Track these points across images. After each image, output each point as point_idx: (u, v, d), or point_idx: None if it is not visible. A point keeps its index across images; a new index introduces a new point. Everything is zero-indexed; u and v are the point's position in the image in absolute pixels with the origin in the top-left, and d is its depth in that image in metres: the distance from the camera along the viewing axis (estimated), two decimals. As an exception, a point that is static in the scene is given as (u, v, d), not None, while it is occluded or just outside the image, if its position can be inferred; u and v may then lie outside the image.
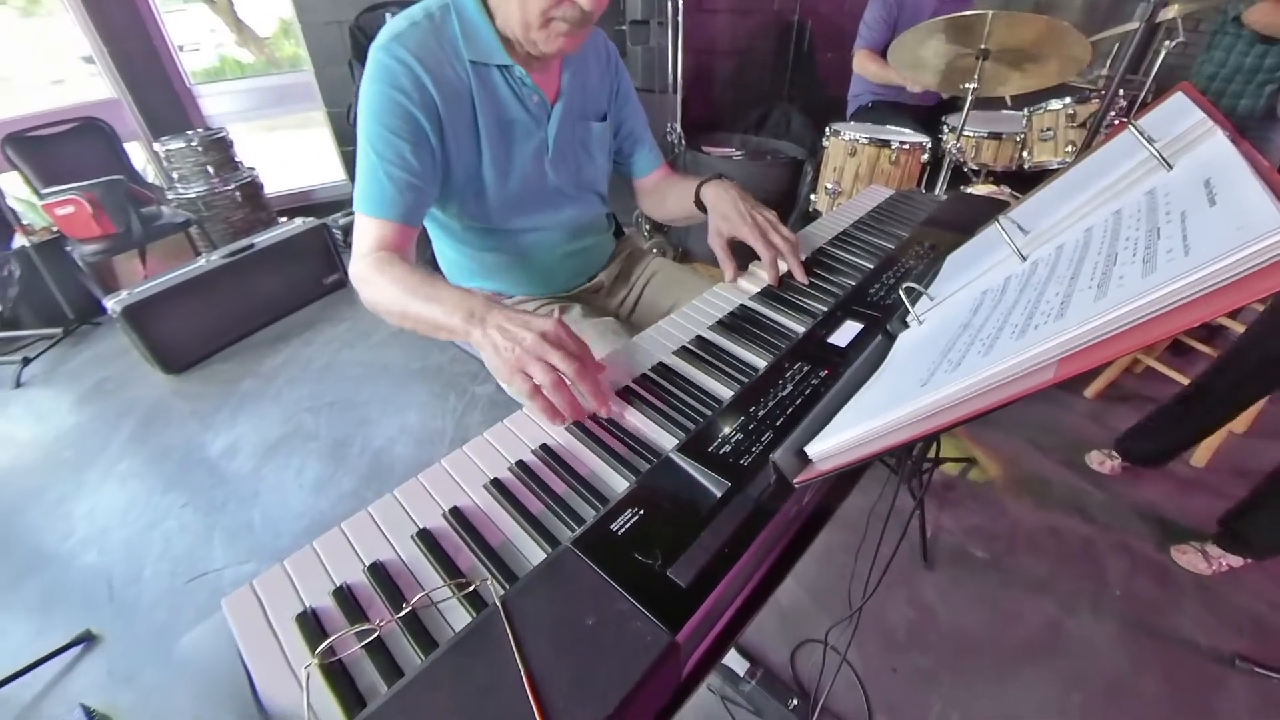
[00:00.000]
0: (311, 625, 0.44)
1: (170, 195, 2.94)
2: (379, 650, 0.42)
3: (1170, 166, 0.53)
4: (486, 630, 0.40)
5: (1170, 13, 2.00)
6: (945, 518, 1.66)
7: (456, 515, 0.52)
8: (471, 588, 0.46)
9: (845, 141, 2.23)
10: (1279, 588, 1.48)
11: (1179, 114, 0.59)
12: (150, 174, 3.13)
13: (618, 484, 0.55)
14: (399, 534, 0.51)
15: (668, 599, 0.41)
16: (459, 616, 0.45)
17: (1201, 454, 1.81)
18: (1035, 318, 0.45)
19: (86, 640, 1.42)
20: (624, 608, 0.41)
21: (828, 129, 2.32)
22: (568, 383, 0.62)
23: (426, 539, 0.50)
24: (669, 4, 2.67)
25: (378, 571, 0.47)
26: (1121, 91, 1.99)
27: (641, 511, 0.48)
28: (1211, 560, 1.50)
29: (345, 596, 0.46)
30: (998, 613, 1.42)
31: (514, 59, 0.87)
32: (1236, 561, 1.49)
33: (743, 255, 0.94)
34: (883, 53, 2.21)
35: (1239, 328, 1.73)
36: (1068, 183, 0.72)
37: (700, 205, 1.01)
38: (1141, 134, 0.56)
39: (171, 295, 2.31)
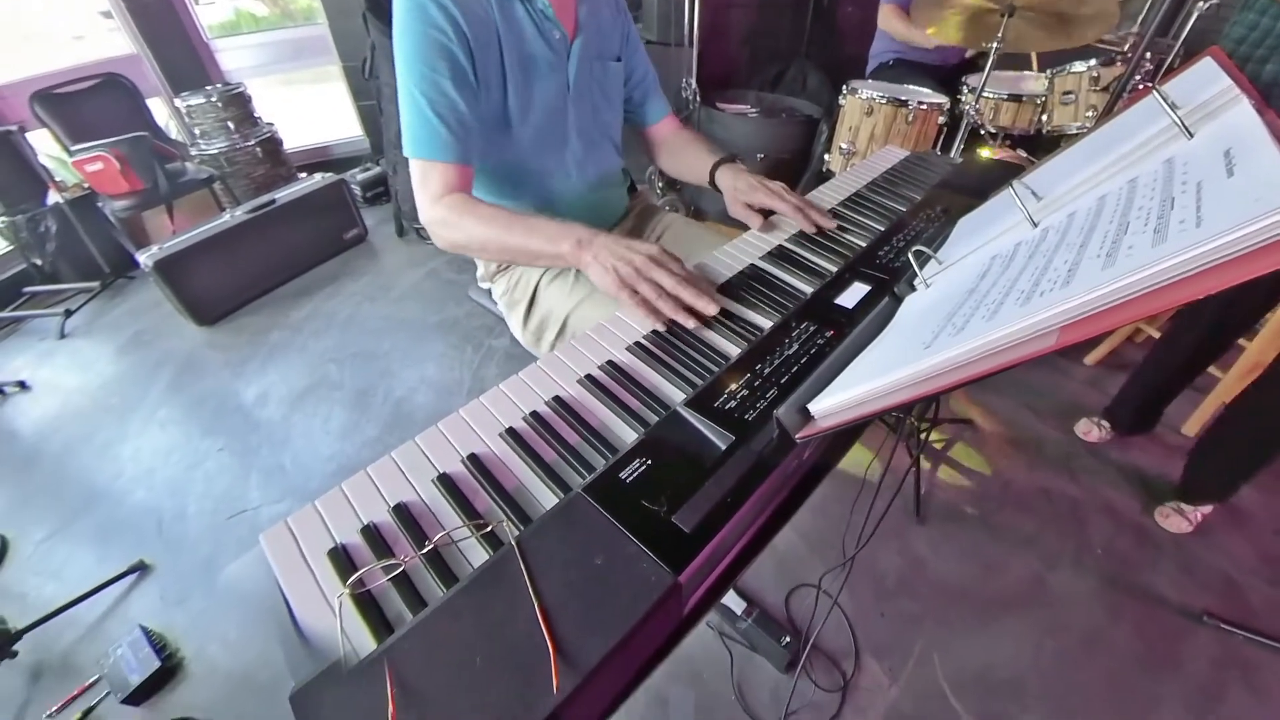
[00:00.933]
0: (342, 559, 0.46)
1: (193, 151, 2.91)
2: (404, 583, 0.44)
3: (1191, 135, 0.51)
4: (502, 567, 0.42)
5: (1207, -31, 1.85)
6: (940, 476, 1.67)
7: (474, 461, 0.53)
8: (488, 528, 0.47)
9: (862, 100, 2.13)
10: (1253, 550, 1.49)
11: (1206, 80, 0.56)
12: (173, 130, 3.09)
13: (627, 435, 0.56)
14: (421, 478, 0.52)
15: (672, 543, 0.43)
16: (477, 554, 0.46)
17: (1192, 423, 1.80)
18: (1041, 284, 0.44)
19: (140, 569, 1.51)
20: (631, 550, 0.42)
21: (845, 87, 2.21)
22: (669, 293, 0.70)
23: (446, 483, 0.51)
24: (686, -46, 2.52)
25: (401, 512, 0.49)
26: (1148, 54, 1.87)
27: (649, 461, 0.49)
28: (1189, 516, 1.53)
29: (372, 534, 0.48)
30: (983, 565, 1.45)
31: None
32: (1207, 509, 1.52)
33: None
34: (908, 9, 2.09)
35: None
36: (1085, 149, 0.69)
37: (714, 186, 1.03)
38: (1165, 100, 0.53)
39: (200, 250, 2.32)
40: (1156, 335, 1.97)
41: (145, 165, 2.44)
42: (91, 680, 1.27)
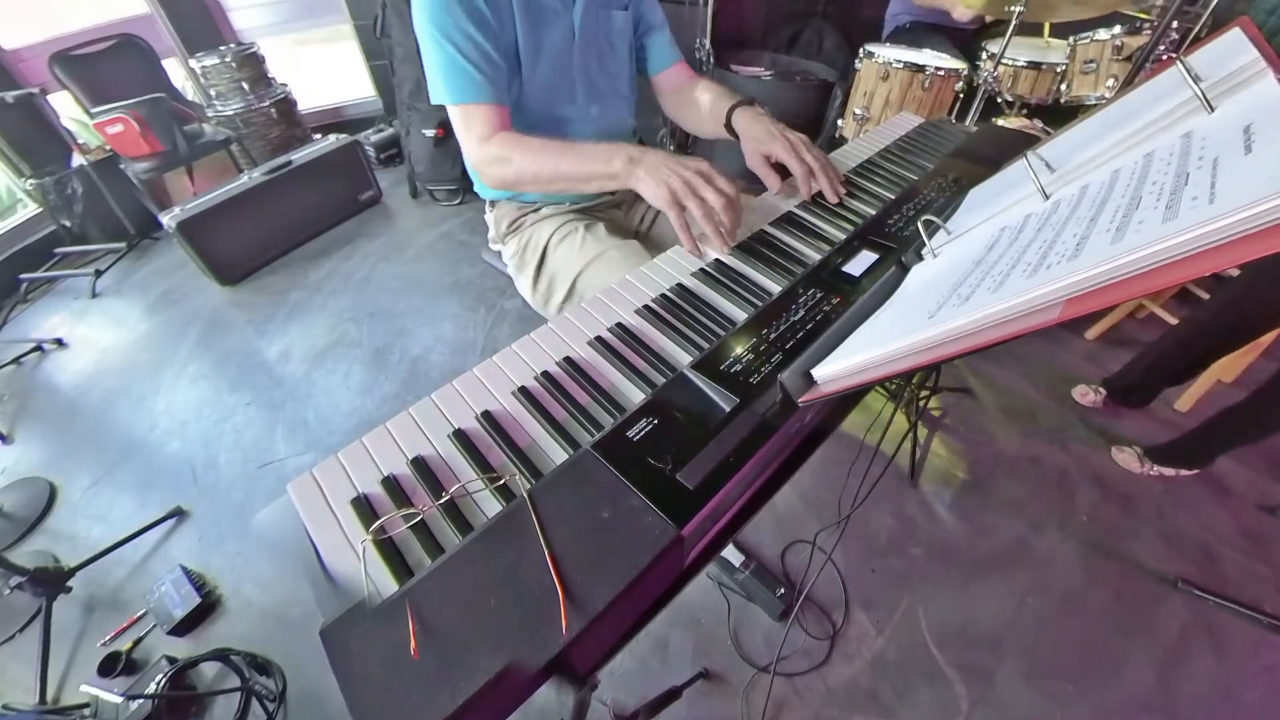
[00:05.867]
0: (365, 508, 0.47)
1: (210, 113, 2.86)
2: (423, 531, 0.45)
3: (1212, 109, 0.48)
4: (515, 518, 0.43)
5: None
6: (936, 441, 1.68)
7: (488, 418, 0.54)
8: (502, 481, 0.48)
9: (879, 64, 2.04)
10: (1233, 523, 1.50)
11: (1232, 52, 0.52)
12: (189, 92, 3.03)
13: (635, 395, 0.57)
14: (437, 432, 0.53)
15: (676, 498, 0.43)
16: (491, 505, 0.48)
17: (1186, 399, 1.78)
18: (1049, 257, 0.43)
19: (178, 515, 1.56)
20: (636, 504, 0.43)
21: (861, 50, 2.11)
22: (714, 212, 0.71)
23: (461, 438, 0.52)
24: (702, -93, 2.37)
25: (419, 464, 0.50)
26: (1175, 24, 1.76)
27: (655, 421, 0.49)
28: (1144, 465, 1.59)
29: (392, 485, 0.49)
30: (972, 528, 1.47)
31: None
32: (1169, 471, 1.57)
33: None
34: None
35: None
36: (1103, 120, 0.66)
37: (731, 131, 0.96)
38: (1188, 71, 0.50)
39: (221, 211, 2.30)
40: (1160, 312, 1.93)
41: (164, 127, 2.41)
42: (139, 614, 1.34)
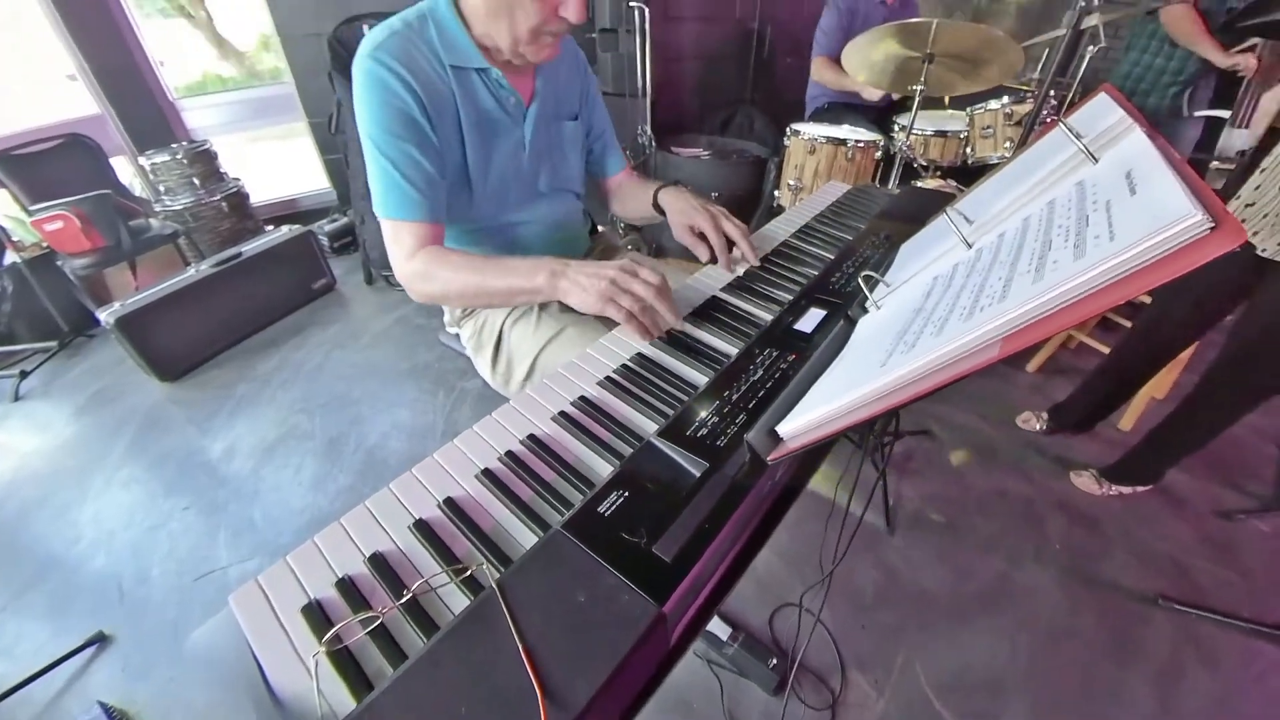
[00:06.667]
0: (317, 615, 0.43)
1: (158, 207, 2.83)
2: (383, 636, 0.42)
3: (1096, 160, 0.55)
4: (484, 612, 0.40)
5: (1093, 20, 2.05)
6: (906, 486, 1.70)
7: (450, 505, 0.51)
8: (468, 572, 0.45)
9: (805, 141, 2.24)
10: (1194, 532, 1.56)
11: (1102, 112, 0.61)
12: (137, 187, 3.00)
13: (602, 469, 0.55)
14: (396, 525, 0.50)
15: (653, 573, 0.42)
16: (457, 600, 0.44)
17: (1128, 418, 1.89)
18: (981, 300, 0.46)
19: (99, 641, 1.38)
20: (613, 583, 0.41)
21: (788, 129, 2.32)
22: (647, 303, 0.72)
23: (423, 528, 0.49)
24: (636, 13, 2.64)
25: (378, 562, 0.47)
26: (1052, 92, 2.03)
27: (626, 493, 0.48)
28: (1102, 486, 1.65)
29: (348, 587, 0.45)
30: (953, 570, 1.46)
31: (490, 63, 0.88)
32: (1126, 489, 1.64)
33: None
34: (838, 59, 2.22)
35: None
36: (1007, 176, 0.73)
37: (658, 209, 1.04)
38: (1070, 130, 0.58)
39: (163, 305, 2.22)
40: (1089, 341, 2.09)
41: (108, 222, 2.35)
42: (42, 770, 1.15)
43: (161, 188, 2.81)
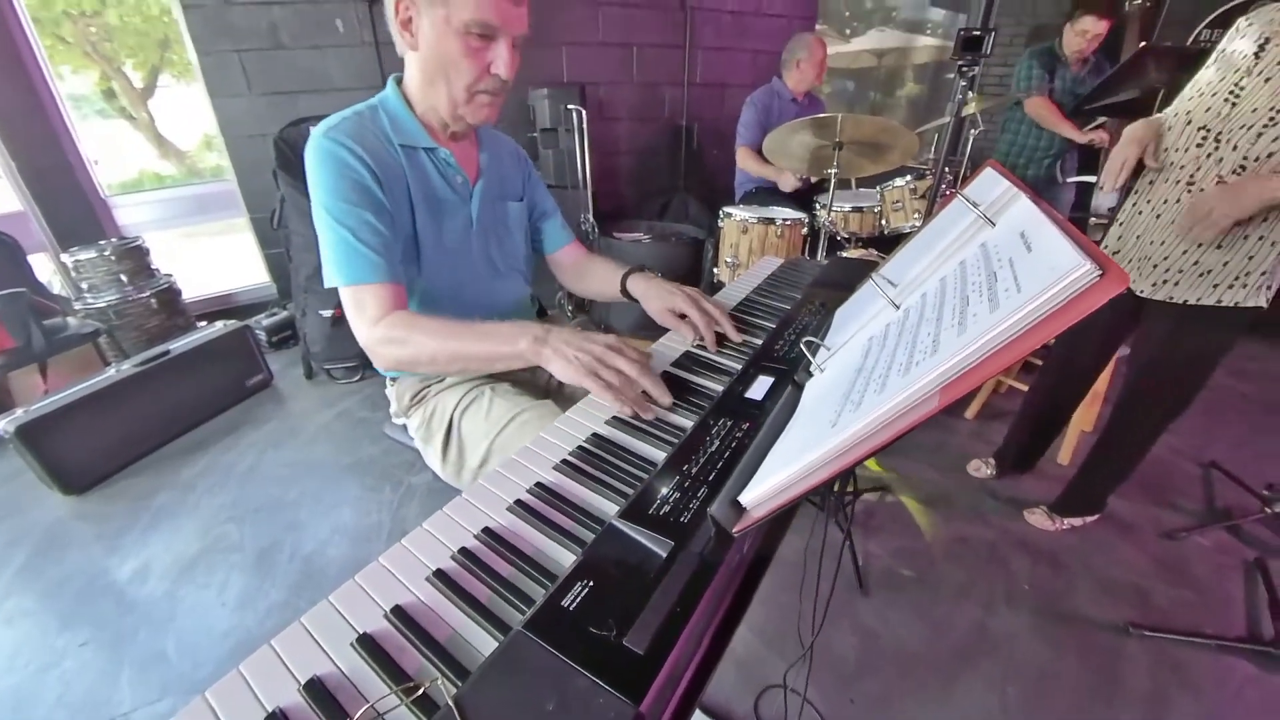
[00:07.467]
0: (235, 769, 0.36)
1: (78, 305, 2.65)
2: (316, 785, 0.36)
3: (994, 224, 0.61)
4: (438, 739, 0.35)
5: (970, 108, 2.40)
6: (872, 544, 1.69)
7: (399, 614, 0.46)
8: (420, 691, 0.40)
9: (737, 221, 2.41)
10: (1146, 556, 1.63)
11: (992, 183, 0.69)
12: (56, 285, 2.83)
13: (564, 558, 0.52)
14: (337, 643, 0.44)
15: (627, 669, 0.38)
16: (408, 727, 0.39)
17: (1064, 453, 2.01)
18: (915, 355, 0.49)
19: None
20: (583, 685, 0.37)
21: (721, 212, 2.50)
22: (632, 380, 0.71)
23: (367, 644, 0.44)
24: (574, 114, 2.86)
25: (314, 688, 0.41)
26: (947, 169, 2.31)
27: (591, 583, 0.45)
28: (1055, 521, 1.72)
29: (276, 727, 0.39)
30: (931, 625, 1.44)
31: (438, 143, 0.93)
32: (1077, 521, 1.71)
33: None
34: (759, 149, 2.46)
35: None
36: (921, 242, 0.80)
37: (627, 294, 1.06)
38: (968, 200, 0.65)
39: (74, 410, 2.02)
40: (1015, 384, 2.24)
41: (18, 322, 2.19)
42: None
43: (84, 285, 2.66)
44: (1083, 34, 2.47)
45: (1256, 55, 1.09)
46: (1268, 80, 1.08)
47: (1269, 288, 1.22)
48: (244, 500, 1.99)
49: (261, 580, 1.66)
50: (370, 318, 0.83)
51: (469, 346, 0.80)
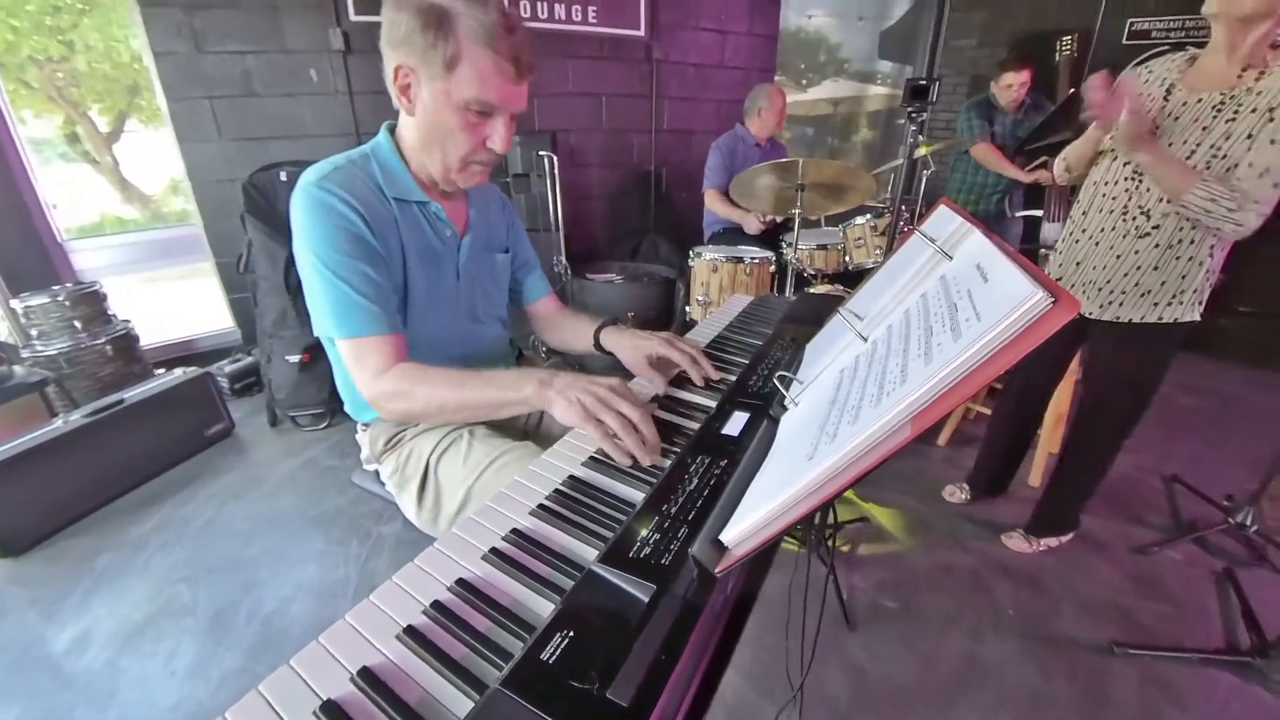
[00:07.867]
0: None
1: (25, 353, 2.52)
2: None
3: (951, 258, 0.64)
4: (407, 818, 0.32)
5: (921, 151, 2.57)
6: (856, 577, 1.68)
7: (366, 677, 0.43)
8: (387, 765, 0.37)
9: (707, 261, 2.48)
10: (1122, 573, 1.66)
11: (945, 220, 0.72)
12: (4, 332, 2.69)
13: (542, 608, 0.50)
14: (298, 712, 0.41)
15: (610, 726, 0.36)
16: (373, 806, 0.36)
17: (1034, 474, 2.06)
18: (885, 386, 0.50)
19: None
20: (564, 748, 0.35)
21: (691, 252, 2.57)
22: (633, 427, 0.70)
23: (332, 712, 0.41)
24: (545, 161, 2.93)
25: (269, 771, 0.38)
26: (903, 207, 2.44)
27: (571, 633, 0.43)
28: (1031, 543, 1.74)
29: (224, 816, 0.35)
30: (920, 657, 1.42)
31: (429, 196, 0.93)
32: (1053, 542, 1.74)
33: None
34: (726, 191, 2.55)
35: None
36: (883, 277, 0.83)
37: (600, 348, 1.06)
38: (925, 236, 0.68)
39: (12, 464, 1.89)
40: (982, 409, 2.30)
41: (-47, 377, 2.05)
42: None
43: (34, 331, 2.53)
44: (1008, 87, 2.73)
45: (1165, 99, 1.26)
46: (1176, 119, 1.23)
47: (1200, 303, 1.35)
48: (199, 558, 1.87)
49: (216, 645, 1.54)
50: (373, 370, 0.83)
51: (476, 395, 0.80)
